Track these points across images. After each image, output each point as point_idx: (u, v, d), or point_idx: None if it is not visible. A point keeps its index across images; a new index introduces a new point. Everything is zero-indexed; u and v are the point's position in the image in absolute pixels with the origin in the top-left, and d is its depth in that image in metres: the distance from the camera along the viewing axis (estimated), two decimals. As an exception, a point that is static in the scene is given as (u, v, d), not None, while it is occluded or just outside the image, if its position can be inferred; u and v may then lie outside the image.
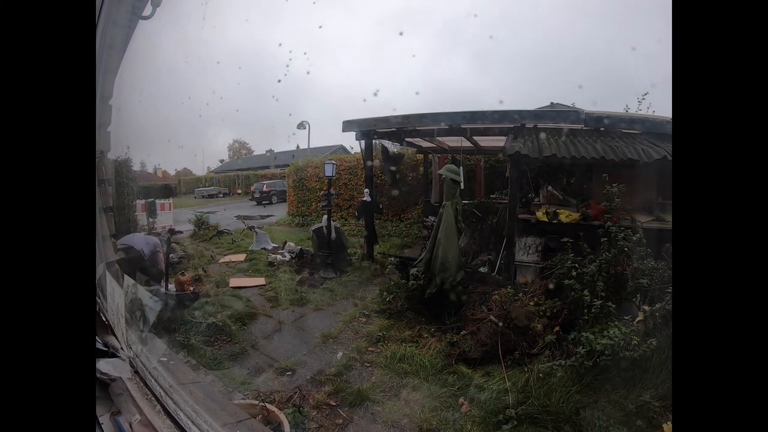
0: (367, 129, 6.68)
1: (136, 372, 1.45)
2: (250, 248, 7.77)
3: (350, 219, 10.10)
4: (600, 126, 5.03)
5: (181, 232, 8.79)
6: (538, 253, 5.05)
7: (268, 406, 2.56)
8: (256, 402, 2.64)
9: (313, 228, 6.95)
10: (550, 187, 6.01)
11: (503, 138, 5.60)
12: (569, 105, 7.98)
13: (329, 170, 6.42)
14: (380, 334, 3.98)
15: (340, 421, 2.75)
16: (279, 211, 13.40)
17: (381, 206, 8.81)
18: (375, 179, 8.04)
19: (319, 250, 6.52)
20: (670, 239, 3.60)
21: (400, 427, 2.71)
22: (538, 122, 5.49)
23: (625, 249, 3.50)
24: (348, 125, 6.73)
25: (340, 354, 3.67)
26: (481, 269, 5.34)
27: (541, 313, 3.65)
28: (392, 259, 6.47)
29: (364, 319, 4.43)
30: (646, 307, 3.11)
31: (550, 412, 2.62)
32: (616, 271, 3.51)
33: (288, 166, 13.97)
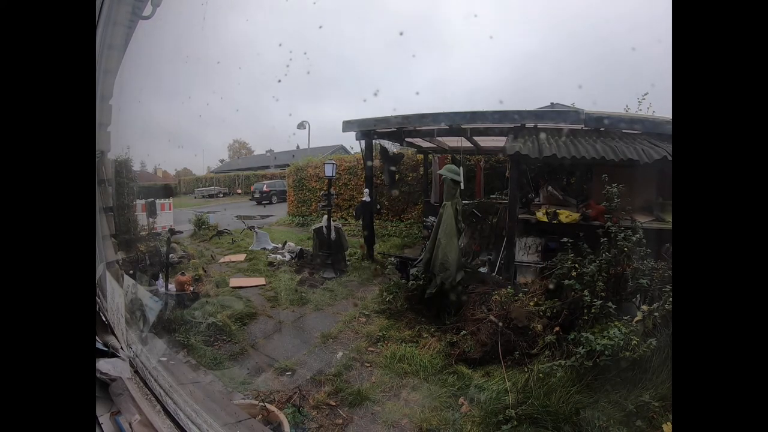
0: (367, 129, 6.68)
1: (136, 372, 1.45)
2: (250, 248, 7.77)
3: (350, 219, 10.10)
4: (600, 126, 5.03)
5: (181, 232, 8.77)
6: (538, 253, 5.05)
7: (268, 406, 2.56)
8: (256, 402, 2.64)
9: (313, 228, 6.95)
10: (550, 187, 6.01)
11: (503, 138, 5.59)
12: (569, 105, 7.98)
13: (329, 170, 6.42)
14: (380, 334, 3.98)
15: (340, 421, 2.75)
16: (279, 211, 13.38)
17: (379, 207, 8.82)
18: (375, 179, 8.04)
19: (319, 250, 6.52)
20: (670, 239, 3.60)
21: (400, 427, 2.71)
22: (538, 122, 5.49)
23: (625, 249, 3.50)
24: (348, 125, 6.73)
25: (340, 354, 3.67)
26: (481, 269, 5.33)
27: (541, 313, 3.65)
28: (392, 259, 6.47)
29: (364, 319, 4.43)
30: (645, 307, 3.11)
31: (550, 412, 2.62)
32: (616, 272, 3.51)
33: (288, 166, 13.95)
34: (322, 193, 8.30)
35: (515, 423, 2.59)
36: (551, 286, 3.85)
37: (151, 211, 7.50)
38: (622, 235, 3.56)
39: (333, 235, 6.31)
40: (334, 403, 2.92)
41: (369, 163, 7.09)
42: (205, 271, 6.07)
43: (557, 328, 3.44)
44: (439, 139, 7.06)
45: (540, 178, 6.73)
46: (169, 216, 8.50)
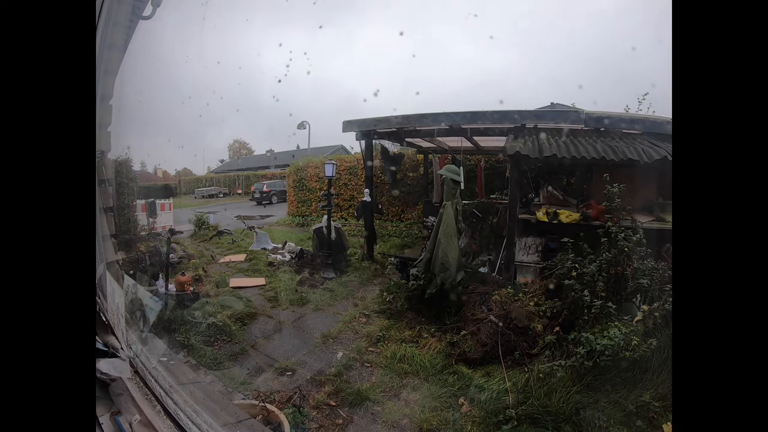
0: (367, 129, 6.68)
1: (136, 372, 1.45)
2: (250, 248, 7.78)
3: (350, 219, 10.10)
4: (600, 126, 5.03)
5: (181, 232, 8.79)
6: (538, 253, 5.05)
7: (268, 406, 2.56)
8: (256, 402, 2.64)
9: (314, 228, 6.95)
10: (550, 187, 6.01)
11: (503, 138, 5.60)
12: (569, 105, 7.98)
13: (329, 170, 6.42)
14: (380, 334, 3.98)
15: (340, 421, 2.75)
16: (279, 211, 13.40)
17: (380, 206, 8.82)
18: (375, 179, 8.04)
19: (319, 250, 6.53)
20: (670, 239, 3.60)
21: (400, 427, 2.71)
22: (539, 122, 5.49)
23: (625, 249, 3.50)
24: (348, 125, 6.73)
25: (340, 354, 3.67)
26: (481, 269, 5.33)
27: (541, 314, 3.65)
28: (392, 259, 6.47)
29: (364, 319, 4.43)
30: (645, 307, 3.11)
31: (550, 413, 2.62)
32: (616, 272, 3.51)
33: (288, 166, 13.97)
34: (322, 193, 8.31)
35: (515, 423, 2.59)
36: (551, 286, 3.85)
37: (151, 211, 7.51)
38: (623, 235, 3.56)
39: (333, 235, 6.31)
40: (334, 403, 2.92)
41: (369, 163, 7.09)
42: (205, 271, 6.07)
43: (557, 328, 3.44)
44: (439, 139, 7.06)
45: (540, 178, 6.73)
46: (169, 216, 8.52)
